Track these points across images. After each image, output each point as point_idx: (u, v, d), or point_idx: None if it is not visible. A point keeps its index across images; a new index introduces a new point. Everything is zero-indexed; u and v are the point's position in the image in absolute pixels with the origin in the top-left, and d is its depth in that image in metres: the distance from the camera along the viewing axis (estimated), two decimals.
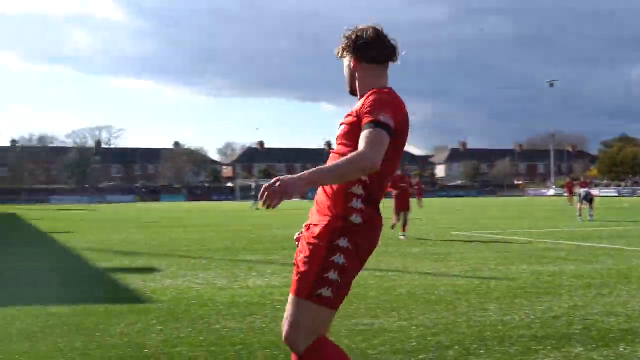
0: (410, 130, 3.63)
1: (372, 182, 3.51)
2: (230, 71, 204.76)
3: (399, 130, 3.46)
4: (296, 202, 53.25)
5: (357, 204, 3.47)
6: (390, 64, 3.71)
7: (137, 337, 6.40)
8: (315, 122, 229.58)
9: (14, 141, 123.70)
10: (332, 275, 3.40)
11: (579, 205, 28.52)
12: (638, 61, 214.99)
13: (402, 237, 18.18)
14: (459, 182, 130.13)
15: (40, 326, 6.98)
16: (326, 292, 3.40)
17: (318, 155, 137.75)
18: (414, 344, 6.06)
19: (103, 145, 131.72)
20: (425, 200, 33.95)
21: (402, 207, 19.19)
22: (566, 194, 48.22)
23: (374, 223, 3.51)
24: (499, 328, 6.69)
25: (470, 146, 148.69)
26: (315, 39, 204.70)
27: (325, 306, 3.42)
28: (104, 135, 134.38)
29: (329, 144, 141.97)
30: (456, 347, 5.91)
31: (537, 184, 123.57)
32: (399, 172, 19.34)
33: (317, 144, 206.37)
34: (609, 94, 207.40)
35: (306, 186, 3.18)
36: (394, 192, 19.27)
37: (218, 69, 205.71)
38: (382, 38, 3.66)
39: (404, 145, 3.60)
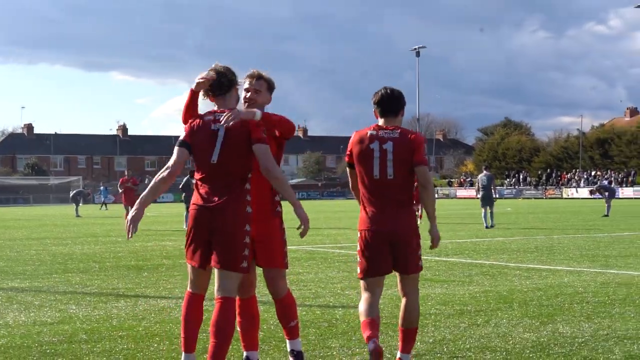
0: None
1: None
2: None
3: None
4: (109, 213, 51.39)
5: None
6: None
7: None
8: (104, 99, 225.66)
9: None
10: None
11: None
12: (523, 25, 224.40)
13: None
14: (298, 180, 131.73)
15: None
16: None
17: (110, 144, 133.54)
18: None
19: None
20: None
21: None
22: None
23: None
24: None
25: (312, 133, 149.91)
26: None
27: None
28: None
29: (123, 128, 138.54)
30: None
31: None
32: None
33: (109, 127, 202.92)
34: (487, 67, 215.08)
35: None
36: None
37: None
38: None
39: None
